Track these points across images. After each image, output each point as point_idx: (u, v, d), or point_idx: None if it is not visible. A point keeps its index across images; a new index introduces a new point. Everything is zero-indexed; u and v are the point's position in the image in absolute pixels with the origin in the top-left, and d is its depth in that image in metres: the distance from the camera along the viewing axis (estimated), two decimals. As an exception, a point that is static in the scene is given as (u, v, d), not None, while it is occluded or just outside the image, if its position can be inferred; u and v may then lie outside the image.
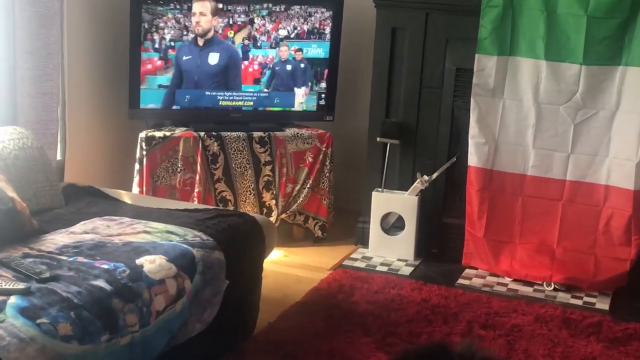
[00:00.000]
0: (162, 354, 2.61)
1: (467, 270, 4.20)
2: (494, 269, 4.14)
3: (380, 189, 4.39)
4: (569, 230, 4.01)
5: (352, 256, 4.34)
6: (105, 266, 2.56)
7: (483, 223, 4.11)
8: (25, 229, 2.80)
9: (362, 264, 4.23)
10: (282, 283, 3.87)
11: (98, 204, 3.30)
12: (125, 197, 3.47)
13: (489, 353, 1.21)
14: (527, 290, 3.99)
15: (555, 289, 3.97)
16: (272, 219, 4.28)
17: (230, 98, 4.44)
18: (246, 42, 4.41)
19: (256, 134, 4.33)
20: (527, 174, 4.06)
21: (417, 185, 4.26)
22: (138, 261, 2.63)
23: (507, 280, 4.09)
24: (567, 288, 3.98)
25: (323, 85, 4.52)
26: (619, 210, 3.88)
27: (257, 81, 4.46)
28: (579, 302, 3.86)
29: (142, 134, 4.15)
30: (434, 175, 4.25)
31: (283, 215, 4.44)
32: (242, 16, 4.35)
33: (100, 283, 2.44)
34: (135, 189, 4.11)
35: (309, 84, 4.52)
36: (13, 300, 2.24)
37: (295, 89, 4.51)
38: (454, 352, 1.19)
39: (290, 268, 4.15)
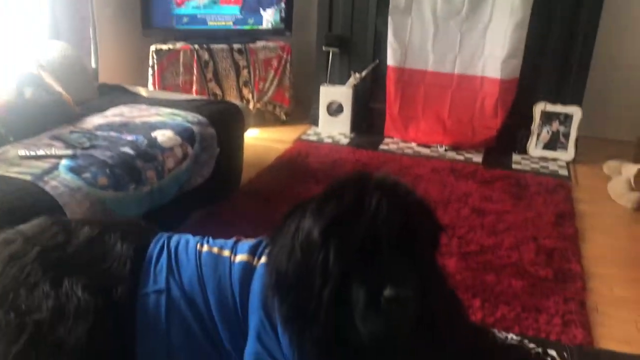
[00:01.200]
0: (174, 200, 2.62)
1: (386, 139, 4.21)
2: (405, 137, 4.16)
3: (326, 84, 4.33)
4: (456, 108, 4.03)
5: (307, 132, 4.32)
6: (130, 138, 2.51)
7: (397, 104, 4.10)
8: (70, 114, 2.71)
9: (314, 138, 4.21)
10: (258, 152, 3.85)
11: (123, 96, 3.20)
12: (142, 91, 3.36)
13: (398, 180, 1.20)
14: (426, 151, 4.02)
15: (445, 150, 4.02)
16: (250, 107, 4.22)
17: (216, 19, 4.27)
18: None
19: (236, 46, 4.18)
20: (428, 69, 4.03)
21: (352, 80, 4.20)
22: (153, 134, 2.59)
23: (413, 144, 4.11)
24: (453, 148, 4.03)
25: (283, 6, 4.36)
26: (490, 94, 3.90)
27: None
28: (461, 158, 3.91)
29: (153, 47, 3.97)
30: (363, 73, 4.17)
31: (257, 105, 4.36)
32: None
33: (127, 150, 2.41)
34: (150, 88, 3.99)
35: (274, 6, 4.35)
36: (64, 162, 2.20)
37: (262, 11, 4.34)
38: (373, 178, 1.18)
39: (263, 142, 4.12)
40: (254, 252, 1.31)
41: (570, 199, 3.35)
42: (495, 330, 1.38)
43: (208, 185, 2.88)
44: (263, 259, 1.27)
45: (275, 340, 1.16)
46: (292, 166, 3.64)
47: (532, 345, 1.32)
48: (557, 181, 3.57)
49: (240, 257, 1.29)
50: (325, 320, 1.07)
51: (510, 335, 1.35)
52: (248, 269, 1.27)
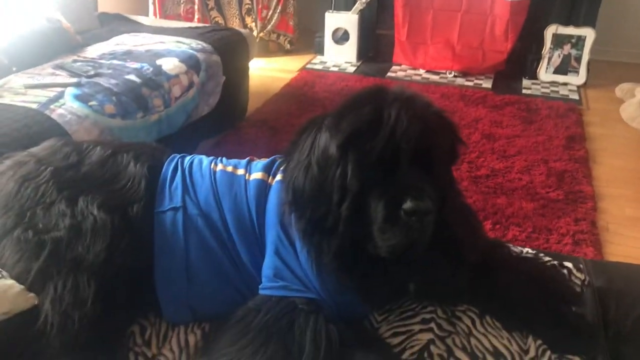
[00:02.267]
0: (182, 129, 2.59)
1: (394, 67, 4.13)
2: (413, 64, 4.07)
3: (331, 11, 4.21)
4: (465, 32, 3.90)
5: (312, 62, 4.23)
6: (134, 65, 2.46)
7: (405, 30, 3.99)
8: (72, 43, 2.65)
9: (319, 67, 4.13)
10: (263, 82, 3.79)
11: (124, 25, 3.11)
12: (144, 20, 3.28)
13: (416, 92, 1.16)
14: (435, 78, 3.95)
15: (454, 76, 3.94)
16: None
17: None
18: None
19: (237, -27, 4.06)
20: (436, -7, 3.90)
21: (358, 6, 4.07)
22: (158, 62, 2.53)
23: (422, 71, 4.04)
24: (463, 74, 3.95)
25: None
26: (500, 16, 3.78)
27: None
28: (471, 84, 3.84)
29: (152, -25, 3.87)
30: (369, -2, 4.07)
31: (261, 34, 4.26)
32: None
33: (132, 77, 2.36)
34: (151, 17, 3.89)
35: None
36: (70, 90, 2.17)
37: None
38: (390, 91, 1.15)
39: (268, 71, 4.05)
40: (268, 170, 1.30)
41: (581, 122, 3.30)
42: (510, 245, 1.38)
43: (215, 115, 2.84)
44: (278, 177, 1.26)
45: (293, 254, 1.16)
46: (298, 95, 3.59)
47: (547, 259, 1.33)
48: (567, 105, 3.51)
49: (255, 175, 1.28)
50: (343, 234, 1.07)
51: (526, 250, 1.35)
52: (263, 186, 1.26)
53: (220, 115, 2.91)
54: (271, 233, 1.20)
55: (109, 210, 1.19)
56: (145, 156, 1.34)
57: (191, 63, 2.65)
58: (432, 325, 1.19)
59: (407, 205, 1.02)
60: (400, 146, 1.05)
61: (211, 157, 1.40)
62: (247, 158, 1.39)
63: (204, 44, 2.82)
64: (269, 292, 1.16)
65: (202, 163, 1.35)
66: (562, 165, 2.76)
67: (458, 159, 1.20)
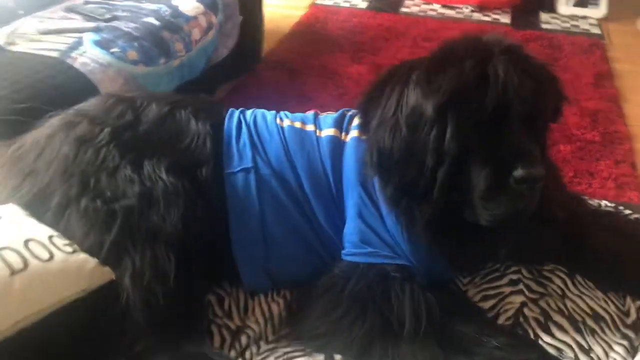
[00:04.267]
0: (202, 72, 2.47)
1: (407, 1, 3.96)
2: (427, -2, 3.92)
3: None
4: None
5: (320, -3, 4.05)
6: (151, 7, 2.31)
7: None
8: (80, -18, 2.47)
9: (329, 2, 3.94)
10: (273, 19, 3.58)
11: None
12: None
13: (520, 44, 1.07)
14: (451, 13, 3.80)
15: (471, 11, 3.80)
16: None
17: None
18: None
19: None
20: None
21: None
22: (174, 2, 2.38)
23: (437, 6, 3.88)
24: (479, 9, 3.80)
25: None
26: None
27: None
28: (488, 19, 3.70)
29: None
30: None
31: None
32: None
33: (151, 20, 2.22)
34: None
35: None
36: (88, 35, 2.03)
37: None
38: (488, 40, 1.06)
39: (277, 9, 3.86)
40: (339, 125, 1.21)
41: (606, 58, 3.21)
42: (586, 198, 1.33)
43: (231, 58, 2.71)
44: (352, 133, 1.18)
45: (379, 217, 1.10)
46: (311, 33, 3.43)
47: (627, 212, 1.28)
48: (590, 40, 3.41)
49: (327, 132, 1.20)
50: (437, 201, 1.00)
51: (604, 203, 1.30)
52: (337, 143, 1.18)
53: (237, 58, 2.77)
54: (352, 194, 1.13)
55: (178, 173, 1.11)
56: (205, 112, 1.25)
57: (208, 3, 2.49)
58: (521, 287, 1.15)
59: (519, 172, 0.95)
60: (510, 106, 0.97)
61: (272, 112, 1.31)
62: (313, 112, 1.30)
63: (219, -17, 2.65)
64: (357, 259, 1.10)
65: (267, 118, 1.26)
66: (594, 105, 2.68)
67: (561, 117, 1.12)
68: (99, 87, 1.88)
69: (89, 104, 1.23)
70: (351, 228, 1.12)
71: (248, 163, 1.16)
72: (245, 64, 2.94)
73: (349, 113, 1.27)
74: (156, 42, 2.15)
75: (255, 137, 1.20)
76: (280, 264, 1.15)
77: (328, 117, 1.26)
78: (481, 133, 0.98)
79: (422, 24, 3.58)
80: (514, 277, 1.14)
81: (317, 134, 1.21)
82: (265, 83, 2.86)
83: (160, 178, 1.08)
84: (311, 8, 3.81)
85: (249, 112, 1.28)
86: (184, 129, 1.17)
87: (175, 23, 2.27)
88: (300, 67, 3.00)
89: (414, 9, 3.84)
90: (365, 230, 1.10)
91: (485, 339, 1.03)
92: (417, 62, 1.10)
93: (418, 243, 1.06)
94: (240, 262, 1.14)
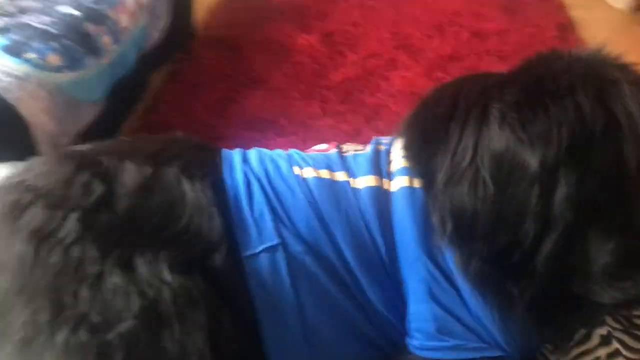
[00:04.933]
0: (135, 64, 2.08)
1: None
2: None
3: None
4: None
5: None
6: (66, -8, 1.88)
7: None
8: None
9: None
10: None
11: None
12: None
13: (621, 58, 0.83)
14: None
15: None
16: None
17: None
18: None
19: None
20: None
21: None
22: (92, -16, 1.96)
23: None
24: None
25: None
26: None
27: None
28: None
29: None
30: None
31: None
32: None
33: (68, 10, 1.80)
34: None
35: None
36: (-8, 40, 1.60)
37: None
38: (586, 56, 0.81)
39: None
40: (377, 169, 0.94)
41: (563, 6, 3.06)
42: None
43: (166, 41, 2.33)
44: (399, 180, 0.91)
45: (457, 297, 0.85)
46: (247, 1, 3.04)
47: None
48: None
49: (364, 181, 0.92)
50: (543, 276, 0.77)
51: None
52: (381, 196, 0.90)
53: (167, 39, 2.38)
54: (415, 267, 0.87)
55: (185, 269, 0.80)
56: (197, 164, 0.93)
57: (133, -21, 2.07)
58: (616, 344, 0.95)
59: None
60: None
61: (281, 153, 1.01)
62: (334, 149, 1.02)
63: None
64: (438, 355, 0.85)
65: (280, 167, 0.96)
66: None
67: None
68: (18, 109, 1.50)
69: (33, 171, 0.88)
70: (422, 313, 0.86)
71: (272, 239, 0.86)
72: (178, 45, 2.55)
73: (383, 148, 1.00)
74: (80, 38, 1.75)
75: (274, 200, 0.90)
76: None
77: (359, 156, 0.97)
78: (602, 192, 0.74)
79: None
80: (603, 332, 0.95)
81: (352, 184, 0.93)
82: (205, 65, 2.49)
83: (163, 281, 0.77)
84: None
85: (253, 157, 0.97)
86: (177, 199, 0.85)
87: (98, 11, 1.86)
88: (242, 42, 2.64)
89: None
90: (443, 316, 0.86)
91: None
92: (490, 85, 0.84)
93: (514, 326, 0.84)
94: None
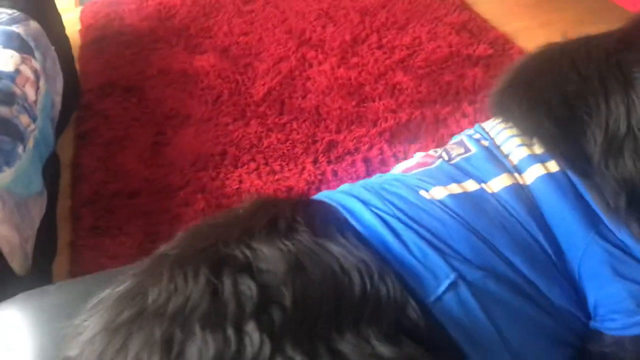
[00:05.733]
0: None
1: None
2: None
3: None
4: None
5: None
6: (-43, 79, 1.57)
7: None
8: None
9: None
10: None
11: None
12: None
13: None
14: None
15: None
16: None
17: None
18: None
19: None
20: None
21: None
22: (-20, 60, 1.66)
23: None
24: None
25: None
26: None
27: None
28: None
29: None
30: None
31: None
32: None
33: (-27, 99, 1.51)
34: None
35: None
36: None
37: None
38: None
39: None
40: (502, 166, 0.88)
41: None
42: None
43: (63, 103, 2.05)
44: (534, 170, 0.86)
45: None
46: (113, 36, 2.77)
47: None
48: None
49: (498, 182, 0.86)
50: None
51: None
52: (522, 193, 0.85)
53: (65, 99, 2.11)
54: (588, 252, 0.84)
55: (392, 340, 0.69)
56: (314, 220, 0.81)
57: (18, 44, 1.80)
58: None
59: None
60: None
61: (382, 179, 0.92)
62: (437, 157, 0.94)
63: (9, 11, 1.92)
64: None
65: (403, 195, 0.87)
66: (462, 18, 2.63)
67: None
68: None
69: (145, 295, 0.70)
70: (615, 294, 0.83)
71: (448, 276, 0.78)
72: (73, 105, 2.26)
73: (487, 143, 0.94)
74: (3, 126, 1.48)
75: (426, 233, 0.80)
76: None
77: (472, 159, 0.91)
78: None
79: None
80: None
81: (487, 190, 0.87)
82: (112, 117, 2.25)
83: (381, 357, 0.66)
84: (84, 7, 3.08)
85: (362, 193, 0.86)
86: (334, 265, 0.73)
87: (3, 90, 1.59)
88: (137, 82, 2.42)
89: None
90: (638, 289, 0.84)
91: None
92: (613, 49, 0.81)
93: None
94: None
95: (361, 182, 0.96)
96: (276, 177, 1.88)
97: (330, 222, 0.82)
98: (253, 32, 2.63)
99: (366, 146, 1.96)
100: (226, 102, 2.23)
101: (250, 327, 0.67)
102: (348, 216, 0.85)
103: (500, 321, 0.80)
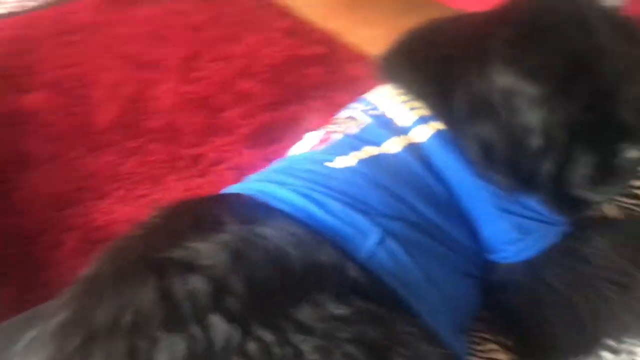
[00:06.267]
0: None
1: None
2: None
3: None
4: None
5: None
6: None
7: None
8: None
9: None
10: None
11: None
12: None
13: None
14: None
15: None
16: None
17: None
18: None
19: None
20: None
21: None
22: None
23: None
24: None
25: None
26: None
27: None
28: None
29: None
30: None
31: None
32: None
33: None
34: None
35: None
36: None
37: None
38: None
39: None
40: (395, 130, 0.98)
41: None
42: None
43: None
44: (423, 129, 0.96)
45: (517, 202, 0.96)
46: (20, 74, 2.45)
47: None
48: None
49: (395, 144, 0.95)
50: (547, 190, 0.93)
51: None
52: (418, 151, 0.95)
53: None
54: (477, 195, 0.97)
55: (344, 301, 0.75)
56: (238, 209, 0.85)
57: None
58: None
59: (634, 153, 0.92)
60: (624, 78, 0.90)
61: (291, 159, 0.97)
62: (335, 134, 1.01)
63: None
64: (531, 252, 0.97)
65: (315, 170, 0.94)
66: (288, 23, 2.75)
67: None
68: None
69: (84, 318, 0.66)
70: (501, 228, 0.95)
71: (373, 231, 0.84)
72: None
73: (377, 112, 1.03)
74: None
75: (344, 197, 0.86)
76: (459, 312, 0.93)
77: (368, 128, 0.99)
78: (587, 115, 0.90)
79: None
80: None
81: (388, 151, 0.95)
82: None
83: (339, 318, 0.70)
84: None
85: (276, 176, 0.90)
86: (271, 247, 0.76)
87: None
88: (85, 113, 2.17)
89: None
90: (518, 220, 0.96)
91: None
92: (482, 27, 0.93)
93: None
94: (444, 335, 0.87)
95: (269, 168, 1.01)
96: (145, 200, 1.83)
97: (253, 208, 0.86)
98: (83, 62, 2.51)
99: (229, 154, 1.98)
100: (70, 137, 2.11)
101: (214, 320, 0.68)
102: (269, 199, 0.88)
103: (422, 261, 0.90)
